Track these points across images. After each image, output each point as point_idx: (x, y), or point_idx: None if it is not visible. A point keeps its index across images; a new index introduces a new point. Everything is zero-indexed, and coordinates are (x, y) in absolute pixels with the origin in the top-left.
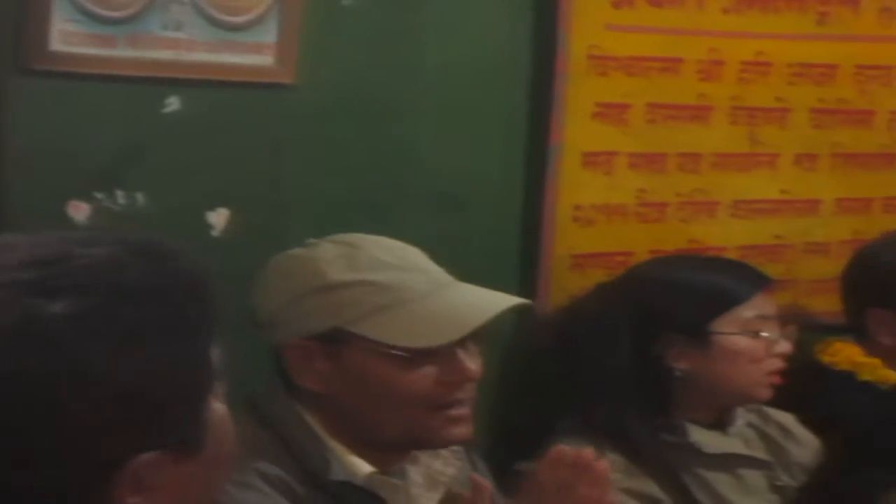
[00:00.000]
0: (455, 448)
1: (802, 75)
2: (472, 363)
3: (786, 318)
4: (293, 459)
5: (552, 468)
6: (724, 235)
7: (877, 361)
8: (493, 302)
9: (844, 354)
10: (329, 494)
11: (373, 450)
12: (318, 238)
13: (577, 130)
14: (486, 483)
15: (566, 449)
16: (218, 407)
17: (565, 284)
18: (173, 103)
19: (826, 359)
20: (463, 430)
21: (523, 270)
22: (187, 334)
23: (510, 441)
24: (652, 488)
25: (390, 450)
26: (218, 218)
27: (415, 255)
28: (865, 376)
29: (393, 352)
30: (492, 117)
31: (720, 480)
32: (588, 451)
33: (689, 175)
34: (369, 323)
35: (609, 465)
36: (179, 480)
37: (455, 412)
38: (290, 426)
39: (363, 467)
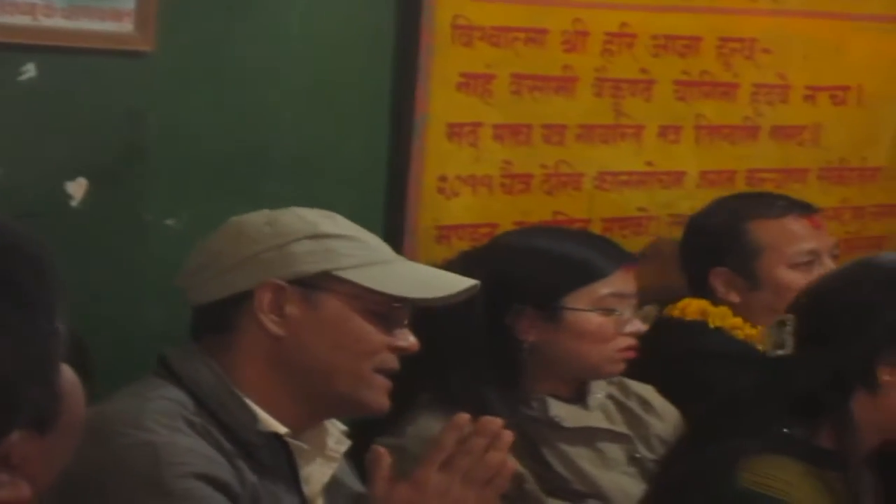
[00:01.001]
0: (342, 427)
1: (666, 47)
2: (413, 337)
3: (649, 295)
4: (210, 415)
5: (458, 433)
6: (589, 207)
7: (726, 309)
8: (454, 276)
9: (694, 307)
10: (241, 448)
11: (292, 406)
12: (174, 209)
13: (441, 101)
14: (385, 452)
15: (470, 417)
16: (68, 375)
17: (430, 256)
18: (29, 70)
19: (676, 312)
20: (385, 401)
21: (388, 242)
22: (28, 310)
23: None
24: (513, 462)
25: (313, 406)
26: (77, 188)
27: None
28: (716, 323)
29: (370, 308)
30: (356, 87)
31: (580, 454)
32: (496, 419)
33: (554, 147)
34: (361, 272)
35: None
36: (42, 452)
37: (384, 382)
38: (208, 383)
39: (277, 427)
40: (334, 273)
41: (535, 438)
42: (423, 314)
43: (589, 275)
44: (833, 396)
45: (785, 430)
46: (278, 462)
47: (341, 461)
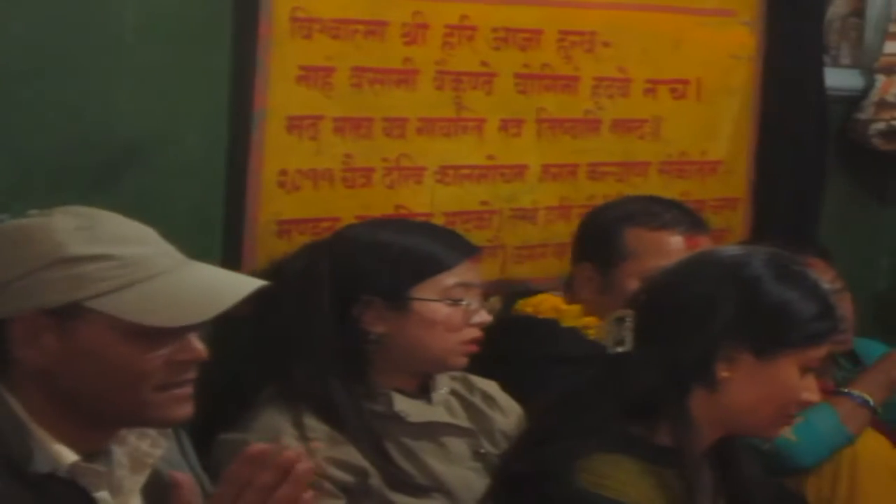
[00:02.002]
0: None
1: (507, 40)
2: (200, 344)
3: (492, 288)
4: None
5: (251, 467)
6: (431, 201)
7: (578, 308)
8: (239, 282)
9: (548, 304)
10: (29, 485)
11: (82, 429)
12: (7, 203)
13: (281, 94)
14: (186, 478)
15: (263, 448)
16: None
17: (271, 251)
18: None
19: (529, 309)
20: (185, 411)
21: (228, 237)
22: None
23: (215, 411)
24: (355, 457)
25: (103, 428)
26: None
27: (151, 232)
28: (569, 322)
29: (132, 331)
30: (194, 79)
31: (424, 449)
32: (289, 452)
33: (395, 140)
34: (112, 299)
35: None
36: None
37: (179, 392)
38: None
39: (67, 456)
40: (81, 303)
41: (379, 433)
42: (266, 306)
43: (436, 265)
44: (671, 393)
45: (623, 428)
46: (71, 493)
47: (169, 451)
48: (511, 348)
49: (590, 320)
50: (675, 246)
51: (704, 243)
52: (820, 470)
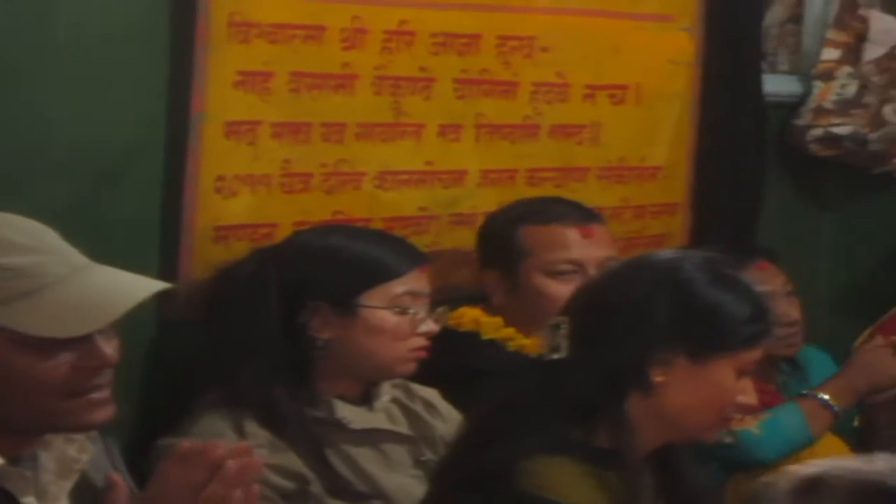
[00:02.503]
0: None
1: (446, 45)
2: (109, 347)
3: (437, 296)
4: None
5: (181, 465)
6: (370, 207)
7: (498, 320)
8: (136, 287)
9: (468, 316)
10: None
11: (2, 434)
12: None
13: (218, 99)
14: (120, 480)
15: (194, 446)
16: None
17: (208, 257)
18: None
19: (451, 322)
20: (103, 414)
21: (164, 243)
22: None
23: (155, 417)
24: (296, 463)
25: (22, 434)
26: None
27: (49, 236)
28: (489, 334)
29: (28, 341)
30: (130, 83)
31: (364, 456)
32: (219, 449)
33: (334, 145)
34: (4, 311)
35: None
36: None
37: (94, 396)
38: None
39: None
40: None
41: (320, 440)
42: (211, 311)
43: (385, 273)
44: (608, 398)
45: (563, 431)
46: None
47: (96, 455)
48: (432, 361)
49: (510, 331)
50: (569, 237)
51: (599, 232)
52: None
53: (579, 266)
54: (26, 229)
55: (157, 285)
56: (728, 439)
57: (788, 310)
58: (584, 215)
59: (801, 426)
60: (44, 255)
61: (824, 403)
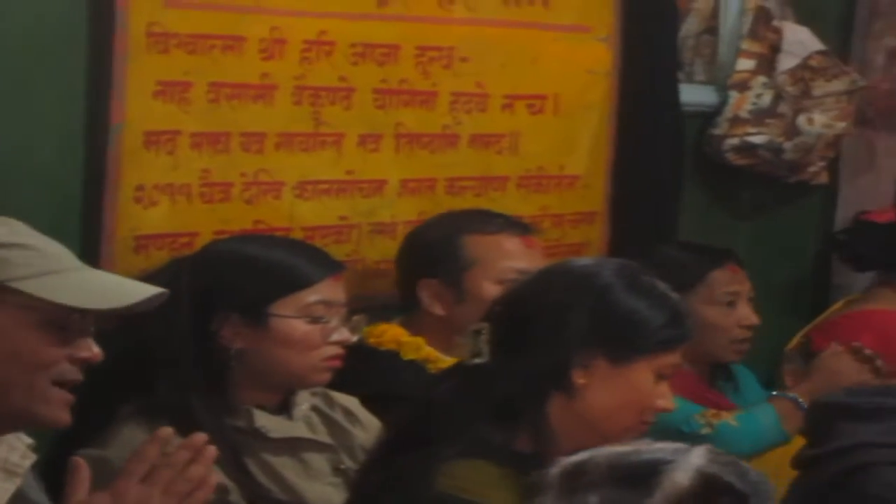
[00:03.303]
0: (28, 441)
1: (365, 55)
2: (97, 347)
3: (351, 302)
4: None
5: (159, 445)
6: (290, 216)
7: (419, 341)
8: (141, 285)
9: (390, 335)
10: None
11: None
12: None
13: (138, 109)
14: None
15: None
16: None
17: (128, 266)
18: None
19: (372, 340)
20: (66, 417)
21: (85, 252)
22: None
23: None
24: (219, 475)
25: None
26: None
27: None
28: (409, 355)
29: (46, 319)
30: (49, 92)
31: (285, 465)
32: (200, 435)
33: (254, 155)
34: (33, 282)
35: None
36: None
37: (67, 396)
38: None
39: None
40: (5, 283)
41: (239, 449)
42: (127, 322)
43: (296, 282)
44: (530, 401)
45: (483, 435)
46: None
47: (27, 476)
48: (352, 379)
49: (431, 352)
50: (514, 247)
51: (538, 244)
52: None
53: (526, 275)
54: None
55: (154, 289)
56: (706, 430)
57: (750, 314)
58: (523, 227)
59: (776, 423)
60: (58, 248)
61: (797, 403)
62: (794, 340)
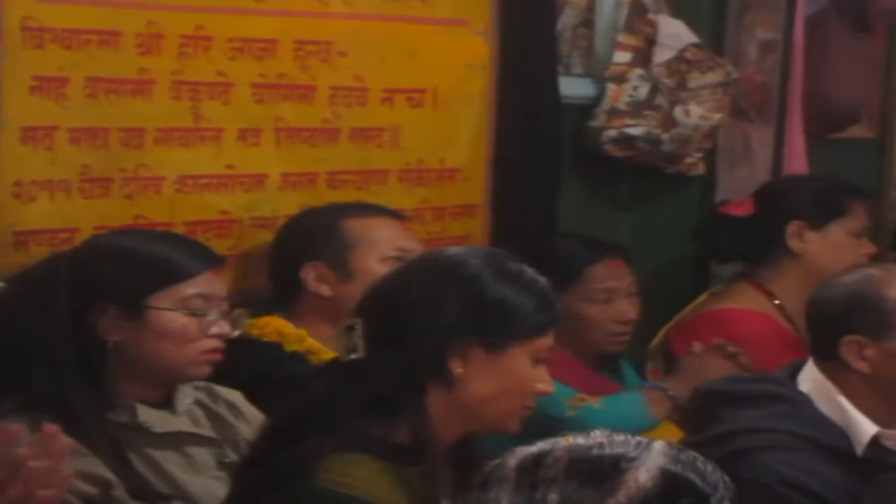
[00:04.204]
0: None
1: (243, 50)
2: None
3: (233, 297)
4: None
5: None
6: (171, 211)
7: (303, 332)
8: None
9: (272, 327)
10: None
11: None
12: None
13: (15, 105)
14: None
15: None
16: None
17: (8, 262)
18: None
19: (255, 332)
20: None
21: None
22: None
23: None
24: (98, 468)
25: None
26: None
27: None
28: (292, 347)
29: None
30: None
31: (168, 459)
32: (50, 427)
33: (133, 150)
34: None
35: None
36: None
37: None
38: None
39: None
40: None
41: (122, 444)
42: (6, 315)
43: (174, 275)
44: (408, 394)
45: (362, 428)
46: None
47: None
48: (235, 371)
49: (313, 344)
50: (393, 227)
51: (410, 229)
52: None
53: (408, 254)
54: None
55: None
56: (571, 413)
57: (627, 309)
58: (398, 215)
59: (641, 408)
60: None
61: (666, 392)
62: (657, 339)
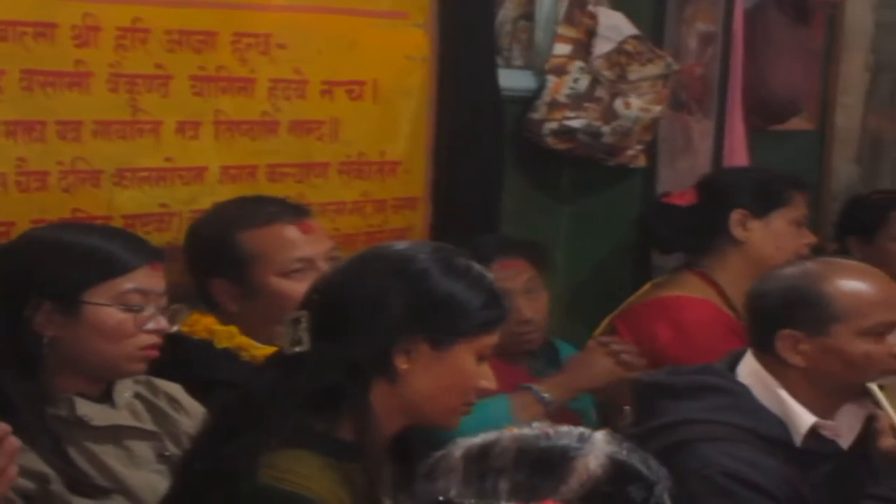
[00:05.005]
0: None
1: (181, 42)
2: None
3: (172, 290)
4: None
5: None
6: (109, 204)
7: (233, 329)
8: None
9: (202, 324)
10: None
11: None
12: None
13: None
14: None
15: None
16: None
17: None
18: None
19: (185, 329)
20: None
21: None
22: None
23: None
24: (36, 463)
25: None
26: None
27: None
28: (223, 343)
29: None
30: None
31: (108, 452)
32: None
33: (70, 143)
34: None
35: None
36: None
37: None
38: None
39: None
40: None
41: (61, 438)
42: None
43: (110, 269)
44: (352, 389)
45: (305, 424)
46: None
47: None
48: (166, 367)
49: (244, 340)
50: (291, 235)
51: (315, 225)
52: None
53: (309, 262)
54: None
55: None
56: None
57: (522, 308)
58: (297, 212)
59: (507, 414)
60: None
61: (538, 396)
62: (601, 328)
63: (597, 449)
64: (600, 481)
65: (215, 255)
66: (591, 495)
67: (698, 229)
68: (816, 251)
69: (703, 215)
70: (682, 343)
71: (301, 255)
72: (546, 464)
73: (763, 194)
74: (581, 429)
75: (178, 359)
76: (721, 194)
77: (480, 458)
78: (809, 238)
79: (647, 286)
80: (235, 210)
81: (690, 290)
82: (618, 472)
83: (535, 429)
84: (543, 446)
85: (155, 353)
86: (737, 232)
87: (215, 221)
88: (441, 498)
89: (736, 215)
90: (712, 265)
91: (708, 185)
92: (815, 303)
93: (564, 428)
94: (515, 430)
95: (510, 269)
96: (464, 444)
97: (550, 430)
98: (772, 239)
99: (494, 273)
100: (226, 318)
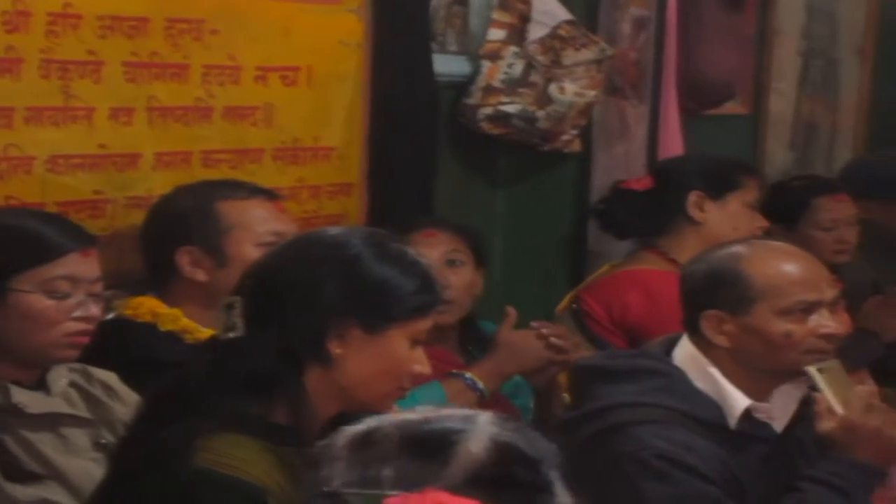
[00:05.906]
0: None
1: (113, 28)
2: None
3: (108, 278)
4: None
5: None
6: (42, 191)
7: (176, 312)
8: None
9: (146, 307)
10: None
11: None
12: None
13: None
14: None
15: None
16: None
17: None
18: None
19: (128, 312)
20: None
21: None
22: None
23: None
24: None
25: None
26: None
27: None
28: (167, 326)
29: None
30: None
31: (43, 440)
32: None
33: (2, 130)
34: None
35: None
36: None
37: None
38: None
39: None
40: None
41: None
42: None
43: (38, 256)
44: (286, 373)
45: (241, 408)
46: None
47: None
48: (108, 352)
49: (189, 324)
50: (268, 211)
51: (285, 208)
52: None
53: (282, 237)
54: None
55: None
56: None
57: (445, 278)
58: (271, 194)
59: (441, 401)
60: None
61: (470, 384)
62: (563, 302)
63: (480, 431)
64: (484, 464)
65: (192, 222)
66: (476, 479)
67: (656, 211)
68: (766, 236)
69: (661, 198)
70: (654, 313)
71: (276, 228)
72: (428, 449)
73: (718, 177)
74: (466, 410)
75: (121, 342)
76: (678, 178)
77: (363, 446)
78: (761, 222)
79: (605, 267)
80: (212, 185)
81: (654, 265)
82: (501, 453)
83: (419, 412)
84: (426, 430)
85: (84, 340)
86: (694, 213)
87: (194, 193)
88: (325, 488)
89: (693, 197)
90: (670, 245)
91: (664, 169)
92: (736, 282)
93: (448, 411)
94: (398, 416)
95: (432, 238)
96: (348, 432)
97: (433, 414)
98: (728, 220)
99: (416, 240)
100: (182, 294)
